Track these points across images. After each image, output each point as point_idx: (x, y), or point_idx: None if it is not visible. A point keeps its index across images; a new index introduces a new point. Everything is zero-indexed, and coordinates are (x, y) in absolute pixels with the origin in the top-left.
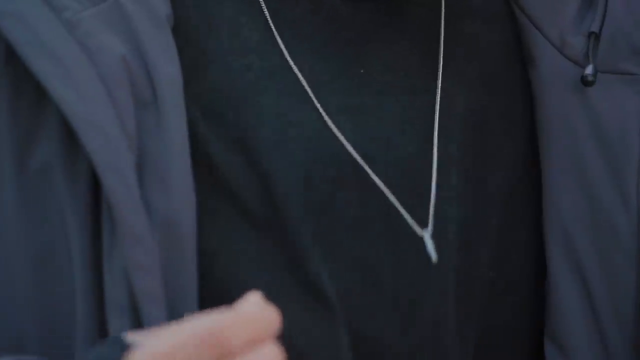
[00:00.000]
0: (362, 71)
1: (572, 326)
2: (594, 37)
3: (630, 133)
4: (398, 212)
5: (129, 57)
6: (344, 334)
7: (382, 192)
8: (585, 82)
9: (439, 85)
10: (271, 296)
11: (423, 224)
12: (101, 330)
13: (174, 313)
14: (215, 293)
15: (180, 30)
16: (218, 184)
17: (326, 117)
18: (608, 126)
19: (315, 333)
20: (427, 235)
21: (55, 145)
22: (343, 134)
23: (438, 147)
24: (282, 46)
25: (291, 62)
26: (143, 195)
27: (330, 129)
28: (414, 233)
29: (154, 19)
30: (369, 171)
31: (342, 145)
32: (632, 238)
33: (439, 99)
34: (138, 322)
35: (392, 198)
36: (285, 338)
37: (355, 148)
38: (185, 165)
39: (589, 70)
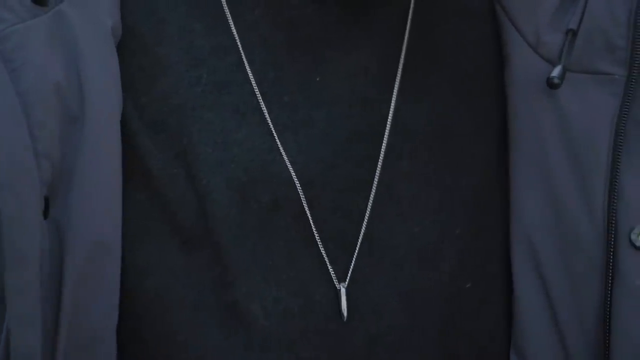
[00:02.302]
0: (318, 79)
1: (535, 337)
2: (571, 34)
3: (600, 138)
4: (321, 254)
5: (60, 71)
6: None
7: (310, 225)
8: (550, 84)
9: (394, 95)
10: (195, 318)
11: (343, 275)
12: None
13: (97, 328)
14: (144, 310)
15: (131, 39)
16: (154, 198)
17: (274, 133)
18: (577, 131)
19: (236, 359)
20: (343, 290)
21: None
22: (287, 153)
23: (382, 166)
24: (241, 51)
25: (248, 69)
26: (66, 211)
27: (275, 148)
28: (331, 281)
29: (97, 32)
30: (304, 200)
31: (285, 166)
32: (596, 247)
33: (392, 110)
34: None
35: (318, 238)
36: None
37: (296, 171)
38: (115, 181)
39: (555, 72)
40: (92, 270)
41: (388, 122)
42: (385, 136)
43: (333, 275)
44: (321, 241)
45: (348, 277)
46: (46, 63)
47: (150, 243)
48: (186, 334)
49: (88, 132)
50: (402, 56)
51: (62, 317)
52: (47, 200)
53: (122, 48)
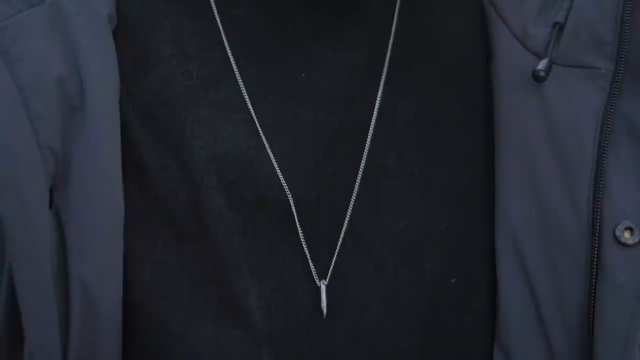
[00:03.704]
0: (303, 76)
1: (519, 334)
2: (558, 27)
3: (585, 133)
4: (304, 251)
5: (60, 63)
6: (265, 356)
7: (295, 223)
8: (536, 77)
9: (380, 91)
10: (190, 311)
11: (324, 271)
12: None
13: (106, 321)
14: (139, 300)
15: (124, 29)
16: (148, 189)
17: (260, 131)
18: (562, 125)
19: (232, 352)
20: (323, 287)
21: None
22: (273, 152)
23: (366, 163)
24: (227, 48)
25: (234, 66)
26: (67, 200)
27: (261, 147)
28: (312, 279)
29: (95, 20)
30: (290, 198)
31: (271, 165)
32: (581, 243)
33: (377, 106)
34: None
35: (302, 236)
36: (200, 357)
37: (282, 170)
38: (115, 170)
39: (541, 65)
40: (97, 259)
41: (373, 118)
42: (370, 132)
43: (314, 273)
44: (305, 239)
45: (329, 274)
46: (46, 54)
47: (143, 233)
48: (181, 327)
49: (89, 121)
50: (389, 51)
51: (72, 310)
52: (50, 191)
53: (116, 36)
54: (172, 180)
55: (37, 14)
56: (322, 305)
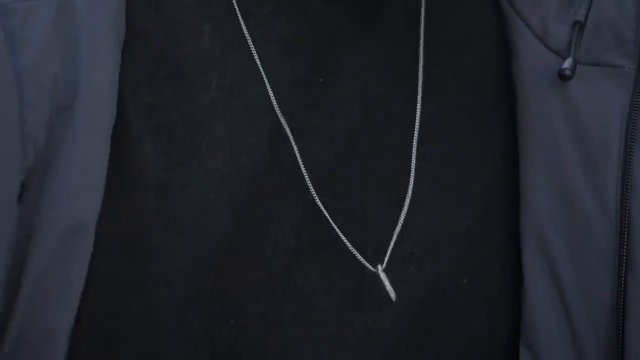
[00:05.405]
0: (331, 78)
1: (546, 332)
2: (579, 26)
3: (611, 131)
4: (355, 259)
5: (58, 62)
6: None
7: (334, 232)
8: (562, 76)
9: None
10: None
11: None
12: None
13: (51, 326)
14: (135, 331)
15: (136, 37)
16: (151, 205)
17: (290, 136)
18: (588, 123)
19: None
20: (382, 273)
21: None
22: (302, 158)
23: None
24: (253, 48)
25: (260, 67)
26: (40, 196)
27: (291, 154)
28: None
29: (102, 26)
30: (324, 211)
31: (301, 173)
32: (608, 241)
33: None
34: None
35: (349, 246)
36: None
37: (312, 179)
38: (96, 178)
39: (566, 64)
40: (60, 257)
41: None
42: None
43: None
44: (353, 247)
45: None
46: (46, 48)
47: (148, 252)
48: None
49: (76, 124)
50: (421, 51)
51: (16, 310)
52: (22, 185)
53: (127, 46)
54: (180, 197)
55: (44, 7)
56: (387, 290)
